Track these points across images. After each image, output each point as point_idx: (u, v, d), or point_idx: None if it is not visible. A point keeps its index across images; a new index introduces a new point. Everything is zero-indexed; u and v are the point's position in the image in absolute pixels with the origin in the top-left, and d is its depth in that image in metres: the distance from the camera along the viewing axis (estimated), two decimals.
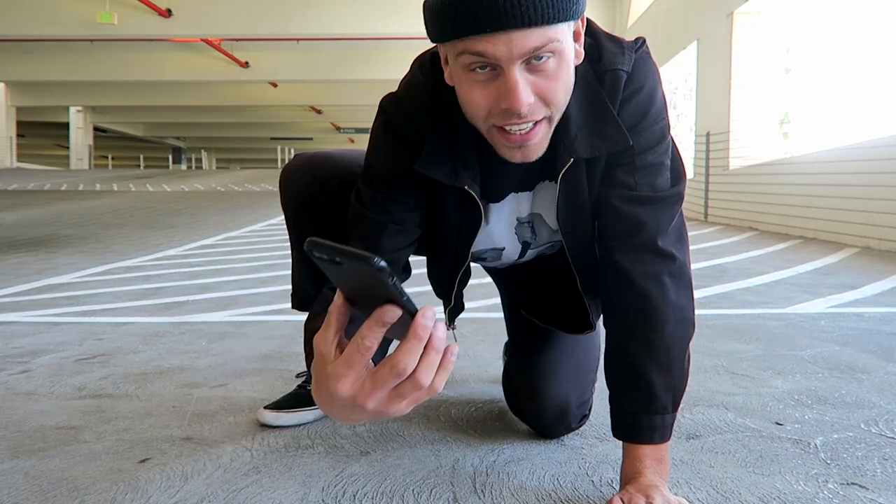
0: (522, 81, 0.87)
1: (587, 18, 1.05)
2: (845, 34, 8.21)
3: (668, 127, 1.04)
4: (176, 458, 1.25)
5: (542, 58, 0.87)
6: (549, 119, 0.93)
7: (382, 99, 1.07)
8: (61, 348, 2.21)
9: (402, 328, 0.68)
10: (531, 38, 0.84)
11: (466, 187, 1.02)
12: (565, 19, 0.86)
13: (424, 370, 0.66)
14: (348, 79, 20.77)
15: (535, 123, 0.92)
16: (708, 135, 8.62)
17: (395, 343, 0.69)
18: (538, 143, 0.94)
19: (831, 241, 5.75)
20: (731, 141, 8.06)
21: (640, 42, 1.04)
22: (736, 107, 8.04)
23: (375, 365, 0.69)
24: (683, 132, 10.93)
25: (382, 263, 0.61)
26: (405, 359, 0.66)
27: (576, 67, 0.97)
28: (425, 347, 0.66)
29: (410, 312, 0.66)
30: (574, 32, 0.91)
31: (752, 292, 3.30)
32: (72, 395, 1.68)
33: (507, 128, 0.91)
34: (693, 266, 4.66)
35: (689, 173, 9.64)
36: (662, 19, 10.95)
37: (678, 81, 11.33)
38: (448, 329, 1.29)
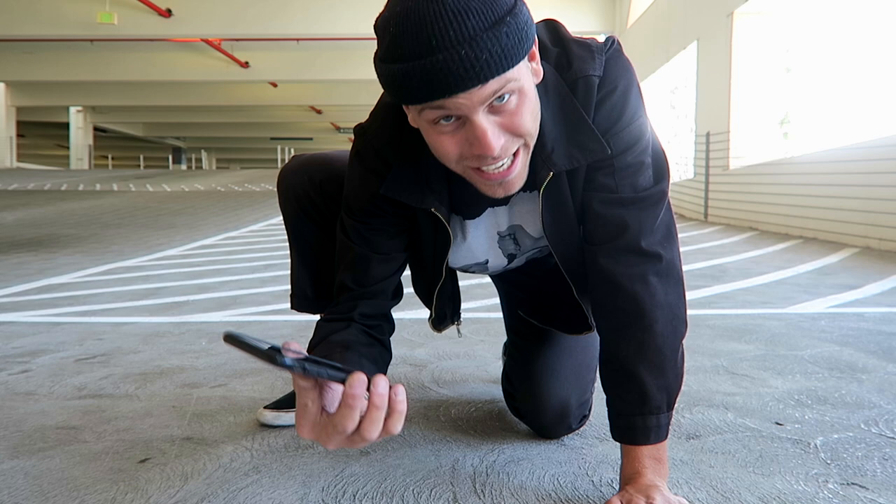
0: (490, 126, 0.86)
1: (556, 24, 1.05)
2: (845, 34, 8.21)
3: (646, 124, 1.03)
4: (176, 458, 1.25)
5: (503, 98, 0.86)
6: (526, 146, 0.93)
7: (355, 127, 1.09)
8: (61, 348, 2.21)
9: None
10: (488, 87, 0.83)
11: (433, 209, 1.03)
12: (519, 61, 0.85)
13: (368, 426, 0.74)
14: (348, 79, 20.77)
15: (513, 156, 0.92)
16: (708, 135, 8.62)
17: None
18: (519, 174, 0.94)
19: (831, 241, 5.75)
20: (731, 141, 8.06)
21: (611, 42, 1.03)
22: (736, 107, 8.04)
23: None
24: (683, 132, 10.93)
25: (287, 361, 0.69)
26: (342, 421, 0.74)
27: (547, 78, 0.98)
28: (368, 406, 0.73)
29: (340, 381, 0.74)
30: (528, 56, 0.90)
31: (752, 292, 3.30)
32: (72, 395, 1.68)
33: (484, 168, 0.91)
34: (693, 266, 4.61)
35: (690, 173, 9.66)
36: (662, 19, 10.95)
37: (678, 81, 11.33)
38: (454, 326, 1.31)
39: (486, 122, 0.86)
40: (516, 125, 0.89)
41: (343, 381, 0.73)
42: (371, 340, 1.07)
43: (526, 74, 0.89)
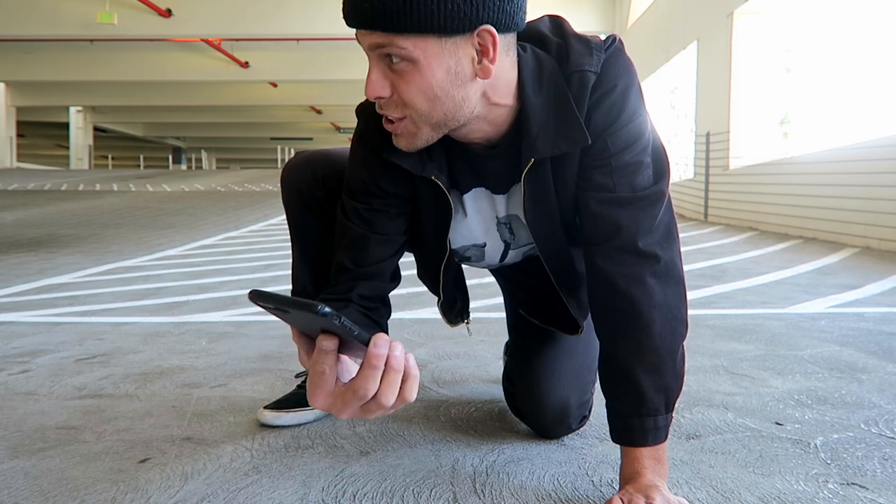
0: (377, 73, 0.91)
1: (560, 20, 1.04)
2: (845, 34, 8.21)
3: (646, 123, 1.02)
4: (176, 458, 1.25)
5: (392, 59, 0.90)
6: (413, 120, 0.95)
7: (357, 107, 1.10)
8: (61, 348, 2.21)
9: (363, 353, 0.76)
10: (372, 37, 0.89)
11: (433, 177, 1.04)
12: (414, 31, 0.86)
13: (386, 390, 0.75)
14: (348, 79, 20.75)
15: (402, 118, 0.95)
16: (708, 135, 8.62)
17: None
18: (406, 136, 0.97)
19: (831, 241, 5.75)
20: (731, 141, 8.07)
21: (611, 40, 1.02)
22: (736, 107, 8.04)
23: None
24: (683, 132, 10.93)
25: (326, 310, 0.68)
26: (364, 384, 0.75)
27: (545, 67, 0.98)
28: (385, 369, 0.74)
29: (364, 342, 0.74)
30: (479, 48, 0.90)
31: (752, 292, 3.30)
32: (72, 395, 1.68)
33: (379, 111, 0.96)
34: (693, 266, 4.61)
35: (689, 173, 9.65)
36: (662, 19, 10.95)
37: (678, 81, 11.33)
38: (463, 323, 1.32)
39: (375, 67, 0.91)
40: (401, 91, 0.92)
41: (366, 343, 0.73)
42: (370, 322, 1.06)
43: (436, 53, 0.89)
